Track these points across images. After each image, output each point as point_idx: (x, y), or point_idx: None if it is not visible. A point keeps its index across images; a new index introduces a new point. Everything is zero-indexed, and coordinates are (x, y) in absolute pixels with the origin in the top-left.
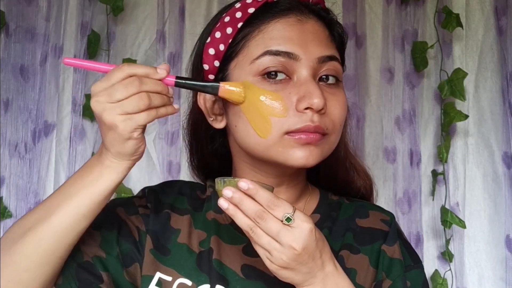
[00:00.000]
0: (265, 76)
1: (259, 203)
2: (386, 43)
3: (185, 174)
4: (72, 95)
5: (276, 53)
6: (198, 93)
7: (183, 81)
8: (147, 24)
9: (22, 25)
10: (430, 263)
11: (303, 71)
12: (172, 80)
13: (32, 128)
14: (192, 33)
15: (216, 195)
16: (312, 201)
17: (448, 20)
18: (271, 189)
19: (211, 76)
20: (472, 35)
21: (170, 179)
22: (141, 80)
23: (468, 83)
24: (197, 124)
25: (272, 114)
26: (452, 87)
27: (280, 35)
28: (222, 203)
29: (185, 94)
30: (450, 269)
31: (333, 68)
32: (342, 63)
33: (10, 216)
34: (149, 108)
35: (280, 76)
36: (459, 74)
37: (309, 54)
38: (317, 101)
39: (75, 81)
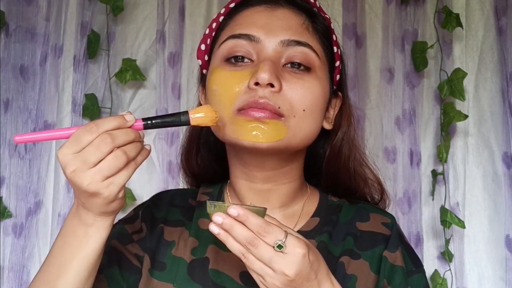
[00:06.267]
0: (230, 59)
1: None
2: (386, 43)
3: None
4: (72, 95)
5: (238, 36)
6: (200, 88)
7: (151, 122)
8: (147, 24)
9: (22, 25)
10: (430, 263)
11: (263, 53)
12: (140, 124)
13: (32, 128)
14: (192, 33)
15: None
16: (311, 203)
17: (448, 20)
18: (263, 211)
19: (205, 71)
20: (472, 35)
21: (170, 179)
22: (112, 135)
23: (468, 83)
24: None
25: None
26: (452, 87)
27: (245, 21)
28: (213, 228)
29: (186, 94)
30: (449, 269)
31: (300, 53)
32: (330, 56)
33: (10, 216)
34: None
35: (245, 61)
36: (459, 74)
37: (271, 37)
38: (262, 75)
39: (75, 81)
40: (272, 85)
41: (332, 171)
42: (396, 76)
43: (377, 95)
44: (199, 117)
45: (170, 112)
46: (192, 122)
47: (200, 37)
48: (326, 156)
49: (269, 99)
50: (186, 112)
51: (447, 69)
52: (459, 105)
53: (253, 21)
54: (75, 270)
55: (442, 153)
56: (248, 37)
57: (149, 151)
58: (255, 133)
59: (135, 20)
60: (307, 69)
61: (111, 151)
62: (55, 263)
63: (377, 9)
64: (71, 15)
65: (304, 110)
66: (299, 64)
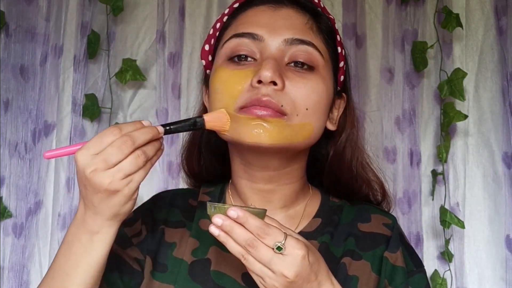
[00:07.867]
0: (234, 58)
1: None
2: (386, 43)
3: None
4: (72, 95)
5: (241, 35)
6: (203, 89)
7: (170, 127)
8: (147, 24)
9: (22, 25)
10: (430, 263)
11: (266, 51)
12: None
13: (32, 128)
14: (192, 33)
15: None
16: (312, 204)
17: (448, 20)
18: (263, 213)
19: (208, 71)
20: (472, 35)
21: (170, 179)
22: (132, 137)
23: (468, 83)
24: None
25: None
26: (451, 87)
27: (249, 20)
28: (213, 230)
29: (186, 94)
30: (449, 269)
31: (304, 52)
32: (334, 56)
33: (10, 216)
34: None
35: (249, 60)
36: (459, 74)
37: (275, 36)
38: (265, 73)
39: (75, 81)
40: (275, 83)
41: (335, 172)
42: (396, 76)
43: (377, 95)
44: (213, 120)
45: (170, 112)
46: (207, 126)
47: (200, 37)
48: (330, 157)
49: (272, 97)
50: (201, 116)
51: (447, 69)
52: (459, 105)
53: (257, 20)
54: (80, 278)
55: (442, 153)
56: (251, 35)
57: (163, 150)
58: (256, 132)
59: (135, 20)
60: (311, 68)
61: (132, 152)
62: (60, 272)
63: (377, 9)
64: (71, 15)
65: (307, 109)
66: (303, 63)
